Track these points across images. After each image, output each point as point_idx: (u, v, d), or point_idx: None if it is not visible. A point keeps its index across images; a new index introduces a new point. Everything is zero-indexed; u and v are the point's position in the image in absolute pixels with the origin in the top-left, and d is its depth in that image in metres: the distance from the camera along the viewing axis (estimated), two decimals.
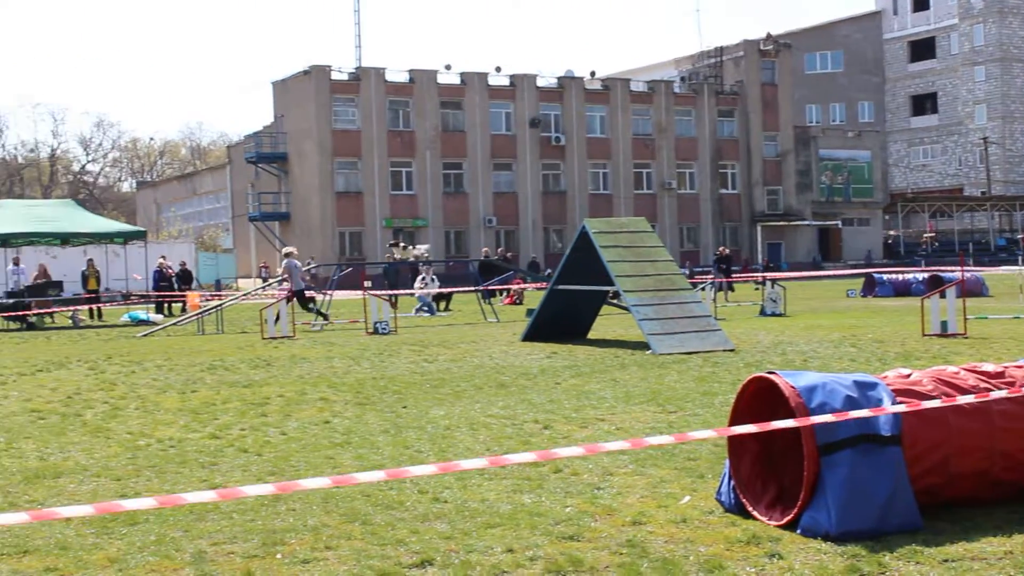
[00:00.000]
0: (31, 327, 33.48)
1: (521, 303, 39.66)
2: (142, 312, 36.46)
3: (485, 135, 74.26)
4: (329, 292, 33.68)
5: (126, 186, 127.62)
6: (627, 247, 21.68)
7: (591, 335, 23.78)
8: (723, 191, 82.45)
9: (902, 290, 39.15)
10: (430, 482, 8.88)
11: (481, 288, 36.58)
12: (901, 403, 7.27)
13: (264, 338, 25.83)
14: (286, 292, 29.66)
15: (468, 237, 73.63)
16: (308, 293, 33.47)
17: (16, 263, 37.16)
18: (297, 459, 10.26)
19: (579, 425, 11.80)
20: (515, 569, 6.64)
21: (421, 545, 7.14)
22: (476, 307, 33.73)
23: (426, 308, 35.57)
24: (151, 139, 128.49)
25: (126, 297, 40.53)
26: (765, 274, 47.27)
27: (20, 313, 33.85)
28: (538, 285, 39.44)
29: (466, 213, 73.89)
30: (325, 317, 29.48)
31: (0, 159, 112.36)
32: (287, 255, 30.49)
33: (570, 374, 16.69)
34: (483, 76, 74.87)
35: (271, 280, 43.60)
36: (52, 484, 9.41)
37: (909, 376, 7.75)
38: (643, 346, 20.18)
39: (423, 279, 37.45)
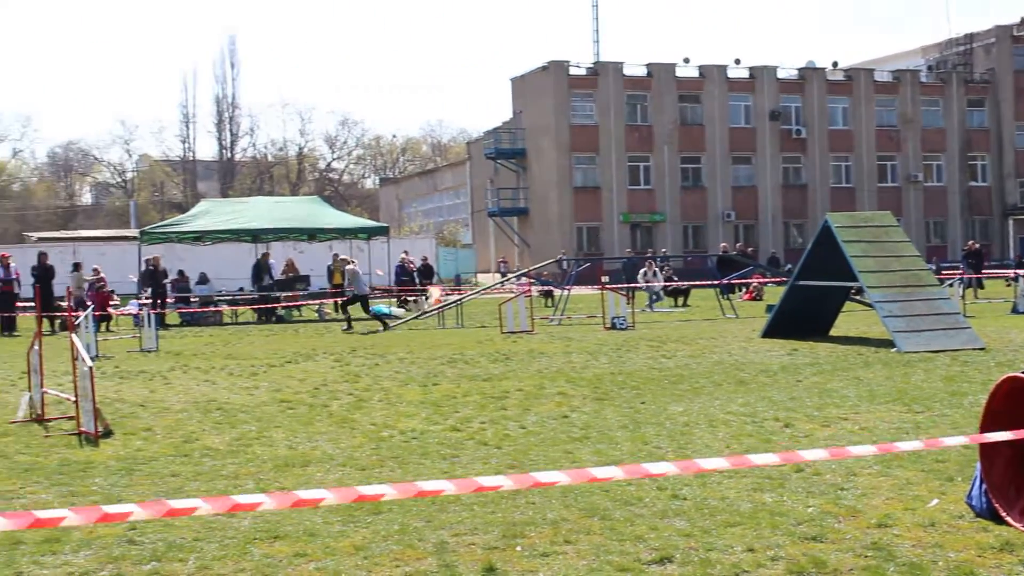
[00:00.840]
0: (280, 320, 34.66)
1: (760, 299, 39.09)
2: (385, 306, 37.32)
3: (724, 128, 73.50)
4: (567, 287, 33.82)
5: (369, 183, 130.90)
6: (871, 242, 21.13)
7: (833, 332, 23.26)
8: (972, 184, 79.58)
9: None
10: (669, 479, 8.81)
11: (720, 283, 36.22)
12: None
13: (503, 332, 26.11)
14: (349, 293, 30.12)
15: (706, 232, 72.99)
16: (547, 288, 33.73)
17: (266, 258, 38.50)
18: (536, 453, 10.33)
19: (821, 424, 11.55)
20: (756, 569, 6.54)
21: (660, 542, 7.10)
22: (714, 303, 33.39)
23: (655, 296, 35.79)
24: (393, 136, 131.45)
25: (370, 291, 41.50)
26: (1018, 270, 45.38)
27: (270, 306, 35.08)
28: (777, 280, 38.82)
29: (704, 208, 73.29)
30: (384, 324, 29.19)
31: (251, 158, 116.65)
32: (344, 262, 31.18)
33: (811, 371, 16.36)
34: (722, 69, 74.12)
35: (509, 275, 44.08)
36: (300, 472, 9.70)
37: None
38: (888, 344, 19.64)
39: (645, 273, 37.46)
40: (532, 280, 35.32)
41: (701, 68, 73.82)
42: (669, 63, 73.28)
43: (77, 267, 32.86)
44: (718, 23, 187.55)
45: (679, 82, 73.07)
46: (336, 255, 40.47)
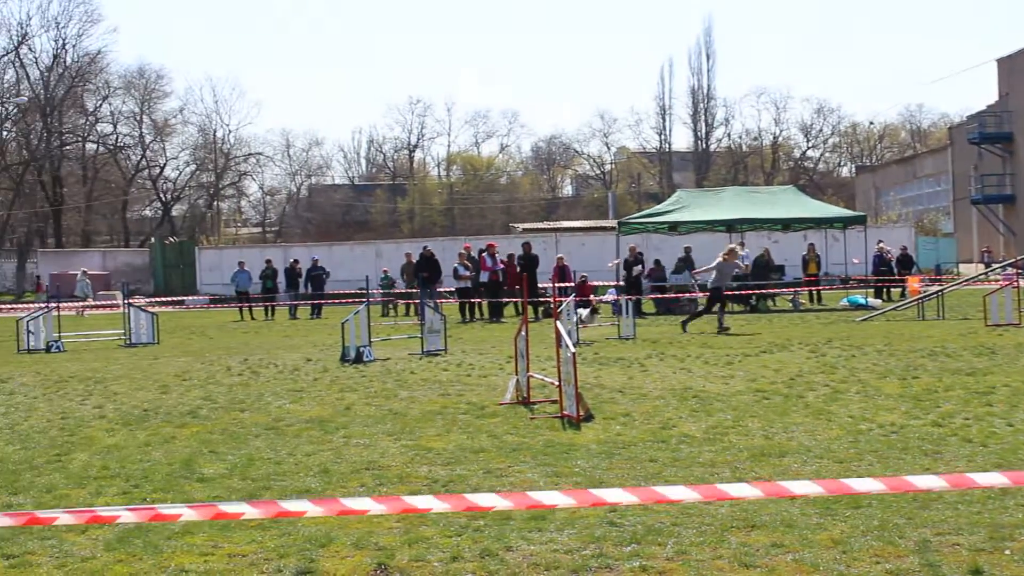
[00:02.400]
0: (754, 309, 34.68)
1: None
2: (860, 296, 36.59)
3: None
4: None
5: (845, 171, 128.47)
6: None
7: None
8: None
9: None
10: None
11: None
12: None
13: (987, 325, 24.98)
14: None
15: None
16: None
17: (741, 247, 38.64)
18: None
19: None
20: None
21: None
22: None
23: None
24: (871, 123, 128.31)
25: (844, 281, 40.80)
26: None
27: (746, 293, 35.20)
28: None
29: None
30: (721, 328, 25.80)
31: (726, 148, 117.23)
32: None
33: None
34: None
35: (995, 265, 42.08)
36: (776, 463, 9.68)
37: None
38: None
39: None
40: (1020, 271, 33.48)
41: None
42: None
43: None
44: None
45: None
46: (811, 244, 40.06)
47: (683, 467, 9.57)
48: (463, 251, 35.41)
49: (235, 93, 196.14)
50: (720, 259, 26.50)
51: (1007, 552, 6.74)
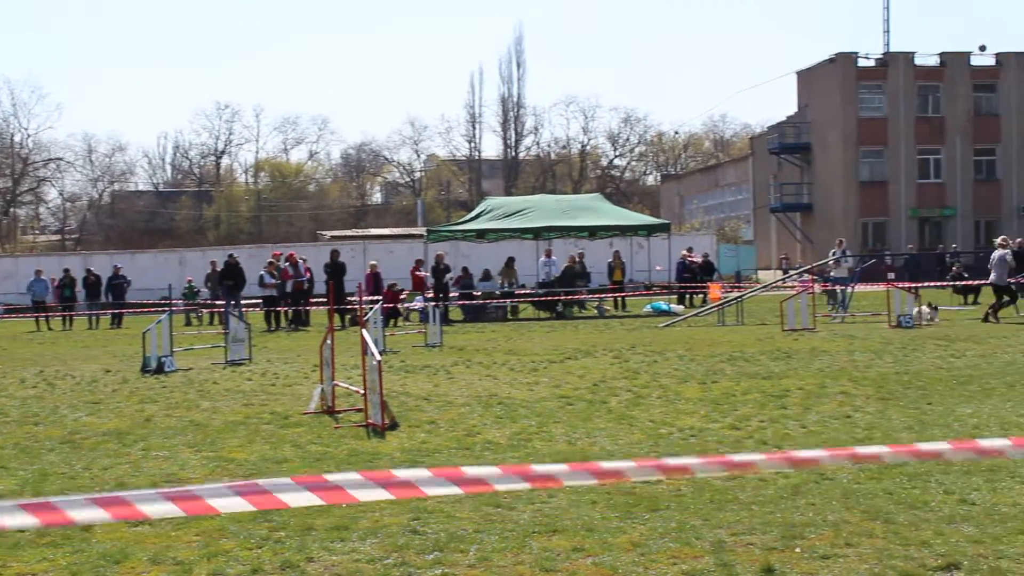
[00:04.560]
0: (560, 316, 35.07)
1: None
2: (664, 303, 37.31)
3: (1022, 118, 70.36)
4: (851, 284, 33.04)
5: (651, 179, 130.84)
6: None
7: None
8: None
9: None
10: (956, 482, 8.53)
11: (1015, 282, 34.67)
12: None
13: (784, 330, 25.73)
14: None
15: (1000, 227, 69.90)
16: (833, 286, 33.04)
17: (548, 255, 39.05)
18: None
19: None
20: None
21: (947, 548, 6.86)
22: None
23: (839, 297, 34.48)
24: (676, 133, 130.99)
25: (648, 288, 41.57)
26: None
27: (550, 299, 35.56)
28: None
29: (998, 201, 70.37)
30: None
31: (535, 156, 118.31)
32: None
33: None
34: (1021, 56, 70.94)
35: (792, 272, 43.37)
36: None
37: None
38: None
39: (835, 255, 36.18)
40: (815, 277, 34.57)
41: (998, 56, 70.89)
42: (963, 51, 70.67)
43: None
44: (1017, 7, 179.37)
45: (973, 71, 70.43)
46: (617, 252, 40.69)
47: None
48: (272, 259, 34.96)
49: (34, 96, 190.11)
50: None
51: (798, 550, 6.94)
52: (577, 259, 38.72)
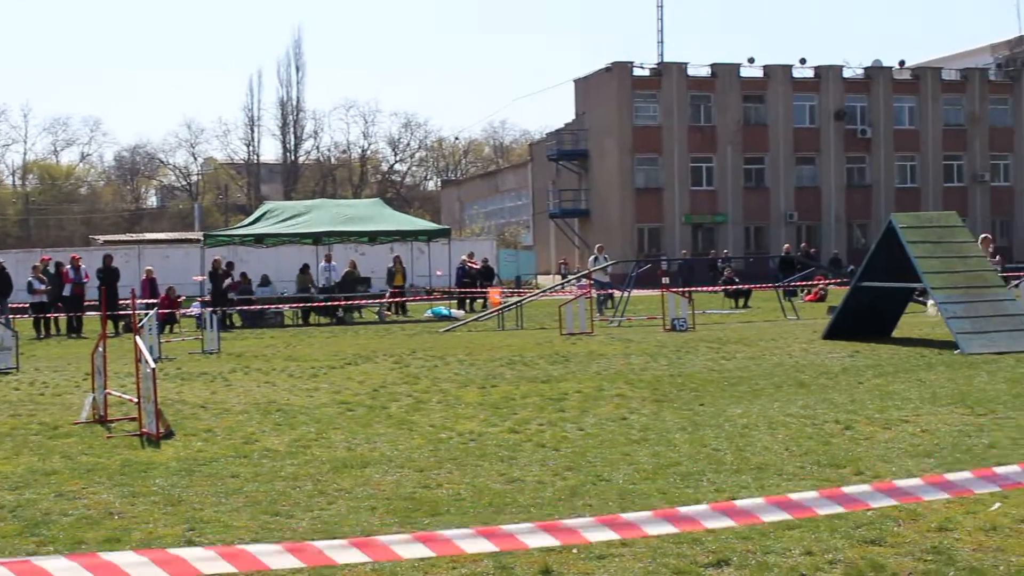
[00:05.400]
0: (340, 322, 34.86)
1: (823, 300, 38.79)
2: (444, 308, 37.44)
3: (788, 128, 72.94)
4: (627, 290, 33.73)
5: (431, 184, 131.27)
6: (936, 243, 20.90)
7: (896, 334, 23.04)
8: None
9: None
10: (727, 481, 8.79)
11: (782, 285, 36.01)
12: None
13: (563, 334, 26.09)
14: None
15: (769, 233, 72.47)
16: (609, 291, 33.71)
17: (328, 260, 38.78)
18: (594, 455, 10.31)
19: (882, 426, 11.44)
20: (814, 572, 6.50)
21: (717, 544, 7.06)
22: (776, 304, 33.18)
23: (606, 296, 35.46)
24: (456, 138, 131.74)
25: (429, 293, 41.66)
26: None
27: (331, 304, 35.31)
28: (840, 281, 38.49)
29: (767, 208, 72.77)
30: None
31: (315, 160, 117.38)
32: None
33: (873, 373, 16.22)
34: (787, 68, 73.53)
35: (570, 276, 44.04)
36: (359, 474, 9.74)
37: None
38: (951, 345, 19.40)
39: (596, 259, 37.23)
40: (592, 282, 35.21)
41: (766, 68, 73.29)
42: (733, 63, 72.80)
43: None
44: (784, 22, 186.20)
45: (743, 82, 72.62)
46: (397, 257, 40.66)
47: (264, 482, 9.48)
48: (40, 264, 33.75)
49: None
50: None
51: (575, 551, 7.03)
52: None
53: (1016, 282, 29.64)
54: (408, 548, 4.16)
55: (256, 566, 3.88)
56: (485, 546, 4.09)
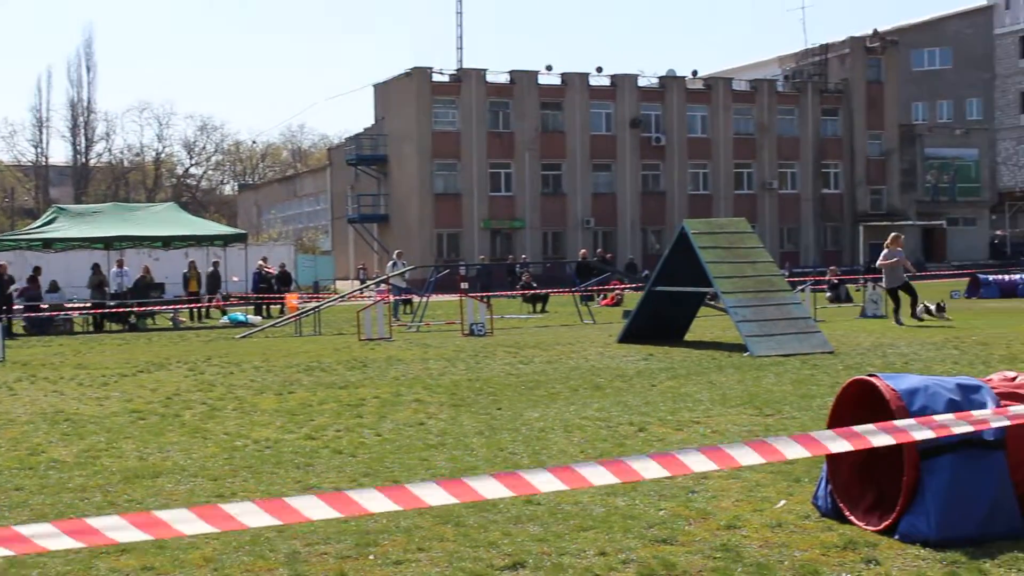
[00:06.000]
0: (133, 328, 34.06)
1: (619, 305, 39.48)
2: (241, 313, 36.91)
3: (585, 136, 74.08)
4: (426, 295, 33.77)
5: (228, 189, 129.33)
6: (726, 248, 21.47)
7: (688, 337, 23.59)
8: (825, 191, 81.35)
9: (1008, 291, 38.36)
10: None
11: (579, 290, 36.51)
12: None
13: (361, 339, 25.97)
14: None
15: (566, 238, 73.48)
16: (408, 296, 33.67)
17: (120, 265, 37.83)
18: (391, 460, 10.28)
19: (674, 428, 11.69)
20: (607, 572, 6.58)
21: (513, 547, 7.10)
22: (573, 309, 33.63)
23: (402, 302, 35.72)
24: (253, 142, 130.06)
25: (225, 299, 40.98)
26: (866, 275, 46.50)
27: (123, 311, 34.44)
28: (635, 286, 39.23)
29: (564, 214, 73.75)
30: None
31: (107, 163, 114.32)
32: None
33: (666, 376, 16.56)
34: (583, 77, 74.66)
35: (369, 282, 43.88)
36: (151, 484, 9.51)
37: (1015, 379, 7.55)
38: (741, 348, 19.97)
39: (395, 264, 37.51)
40: (391, 287, 35.16)
41: (563, 76, 74.27)
42: (531, 70, 73.60)
43: None
44: (581, 31, 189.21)
45: (541, 89, 73.44)
46: (192, 262, 39.92)
47: (51, 494, 9.18)
48: None
49: None
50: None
51: (371, 557, 7.00)
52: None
53: (802, 287, 30.72)
54: None
55: None
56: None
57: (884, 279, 26.75)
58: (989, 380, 7.58)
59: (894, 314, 26.37)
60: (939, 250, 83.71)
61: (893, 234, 27.16)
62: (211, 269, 40.10)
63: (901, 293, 26.37)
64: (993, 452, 6.97)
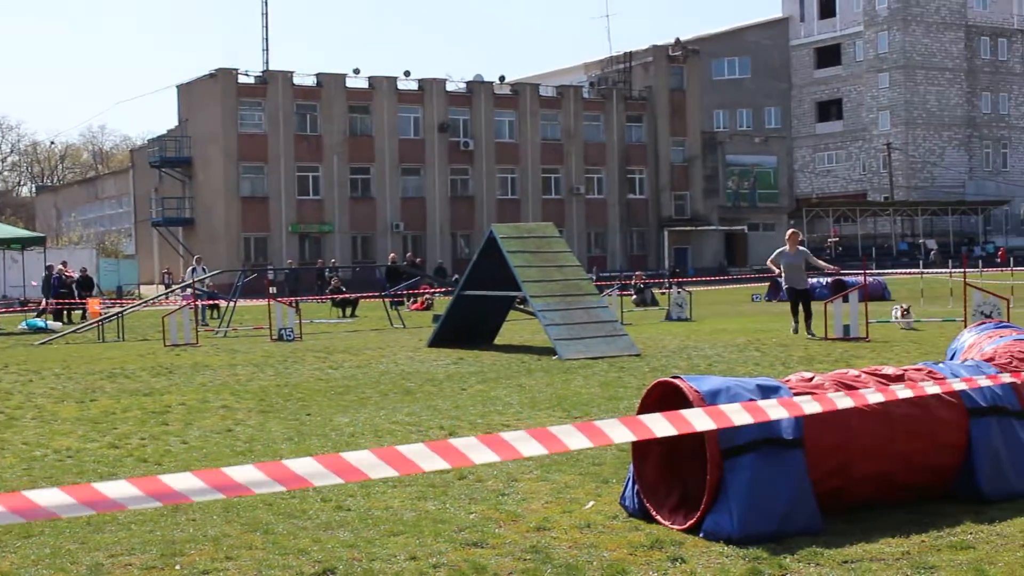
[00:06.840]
0: None
1: (430, 309, 39.54)
2: (40, 320, 35.82)
3: (393, 140, 73.96)
4: (233, 299, 33.28)
5: (25, 191, 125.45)
6: (534, 252, 21.67)
7: (498, 341, 23.76)
8: (631, 196, 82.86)
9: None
10: (333, 490, 8.77)
11: (388, 294, 36.45)
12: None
13: (166, 345, 25.46)
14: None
15: (375, 242, 73.28)
16: (215, 300, 33.14)
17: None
18: (198, 468, 10.09)
19: (484, 431, 11.75)
20: None
21: (323, 554, 7.05)
22: (383, 313, 33.56)
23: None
24: (52, 143, 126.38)
25: (24, 304, 39.72)
26: (671, 279, 47.52)
27: None
28: (445, 290, 39.37)
29: (373, 218, 73.53)
30: None
31: None
32: None
33: (476, 380, 16.64)
34: (391, 80, 74.56)
35: (174, 286, 43.06)
36: None
37: (811, 380, 7.81)
38: (550, 351, 20.18)
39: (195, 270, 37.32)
40: (197, 292, 34.58)
41: (371, 79, 74.03)
42: (339, 73, 73.21)
43: None
44: (388, 35, 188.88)
45: (349, 92, 73.08)
46: None
47: None
48: None
49: None
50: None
51: (178, 567, 6.87)
52: None
53: (609, 291, 31.22)
54: None
55: None
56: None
57: (785, 279, 23.87)
58: (787, 381, 7.83)
59: (805, 323, 22.87)
60: (741, 255, 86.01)
61: (791, 231, 24.51)
62: (44, 273, 39.04)
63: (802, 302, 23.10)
64: (792, 450, 7.20)
